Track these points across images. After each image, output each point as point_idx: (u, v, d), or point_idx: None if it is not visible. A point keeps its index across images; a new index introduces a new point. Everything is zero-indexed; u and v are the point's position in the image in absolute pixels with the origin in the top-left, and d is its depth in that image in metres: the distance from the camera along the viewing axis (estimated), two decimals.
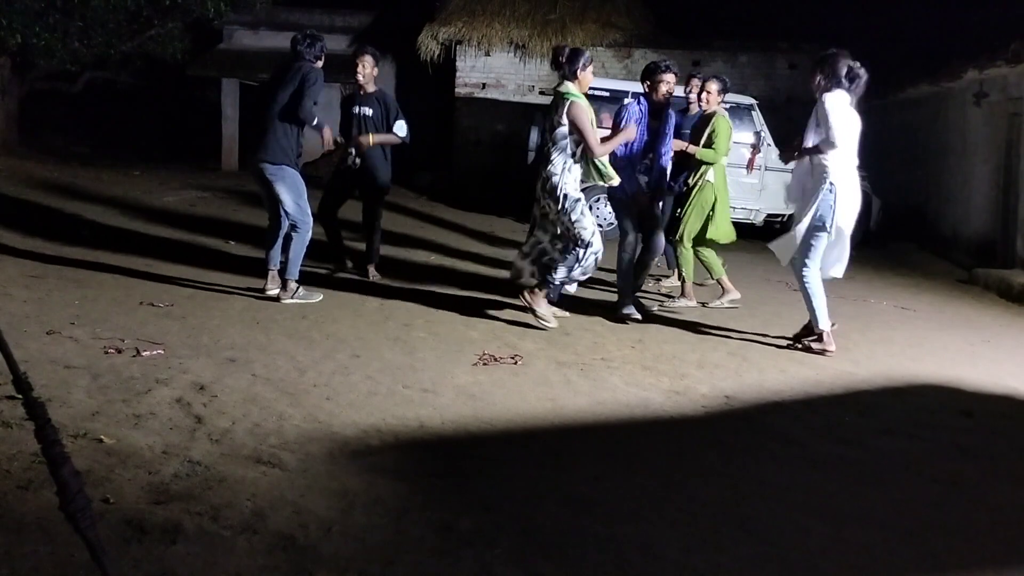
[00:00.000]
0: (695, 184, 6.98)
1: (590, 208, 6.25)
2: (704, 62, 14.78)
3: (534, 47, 14.88)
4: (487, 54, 15.12)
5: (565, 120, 5.56)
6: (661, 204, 6.60)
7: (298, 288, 6.08)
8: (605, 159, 5.70)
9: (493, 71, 15.22)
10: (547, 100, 14.13)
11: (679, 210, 7.06)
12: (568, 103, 5.56)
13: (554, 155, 5.63)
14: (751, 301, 7.29)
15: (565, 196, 5.61)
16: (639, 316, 6.23)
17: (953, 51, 11.63)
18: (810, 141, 5.53)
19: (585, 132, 5.54)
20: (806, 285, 5.57)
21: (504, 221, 12.14)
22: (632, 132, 6.02)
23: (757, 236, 10.23)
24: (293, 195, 6.01)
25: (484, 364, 4.87)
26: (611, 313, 6.29)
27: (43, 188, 11.41)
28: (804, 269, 5.56)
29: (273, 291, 6.10)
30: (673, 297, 7.22)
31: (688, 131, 7.35)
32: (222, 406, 3.86)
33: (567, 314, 6.08)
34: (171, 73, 17.00)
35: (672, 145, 6.54)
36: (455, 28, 14.93)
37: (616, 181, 5.83)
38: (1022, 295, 8.20)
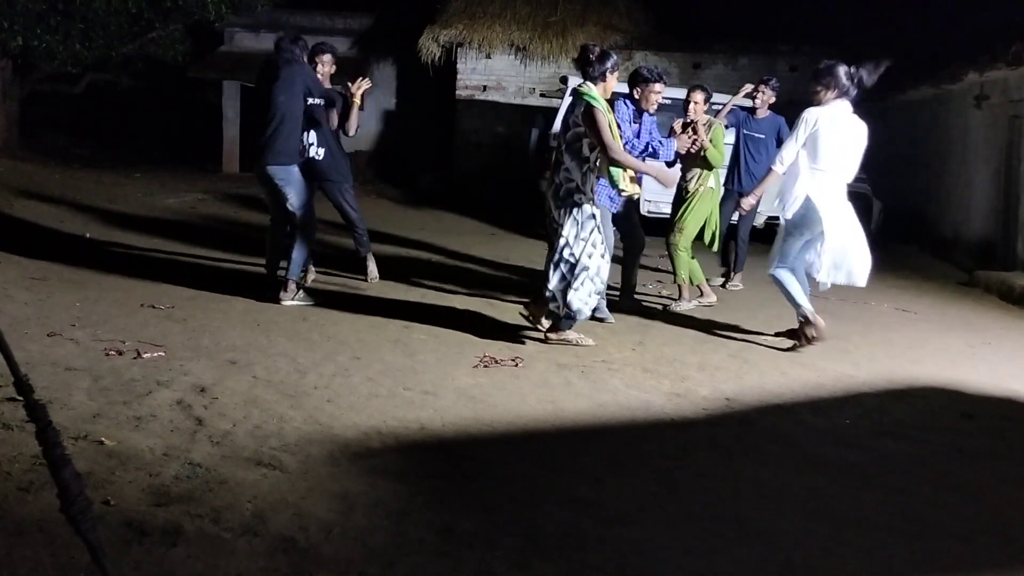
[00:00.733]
0: (695, 189, 7.03)
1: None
2: (704, 64, 14.80)
3: (535, 49, 14.89)
4: (488, 56, 15.13)
5: (581, 122, 5.23)
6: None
7: (299, 290, 6.09)
8: (617, 170, 5.35)
9: (494, 73, 15.23)
10: (547, 102, 14.22)
11: (679, 214, 7.09)
12: (584, 104, 5.22)
13: (568, 161, 5.28)
14: (752, 304, 7.29)
15: (580, 206, 5.24)
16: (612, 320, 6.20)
17: (954, 53, 11.63)
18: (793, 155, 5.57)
19: (602, 134, 5.15)
20: (778, 279, 5.70)
21: (504, 223, 12.13)
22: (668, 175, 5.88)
23: (757, 238, 10.22)
24: (299, 196, 6.05)
25: (485, 366, 4.87)
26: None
27: (44, 190, 11.41)
28: (774, 266, 5.70)
29: (287, 299, 6.03)
30: (674, 299, 7.23)
31: (762, 135, 7.53)
32: (223, 408, 3.86)
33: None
34: (172, 75, 17.00)
35: (677, 145, 6.55)
36: (456, 30, 14.94)
37: (634, 192, 5.58)
38: (1023, 297, 8.19)
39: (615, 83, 5.46)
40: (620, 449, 3.81)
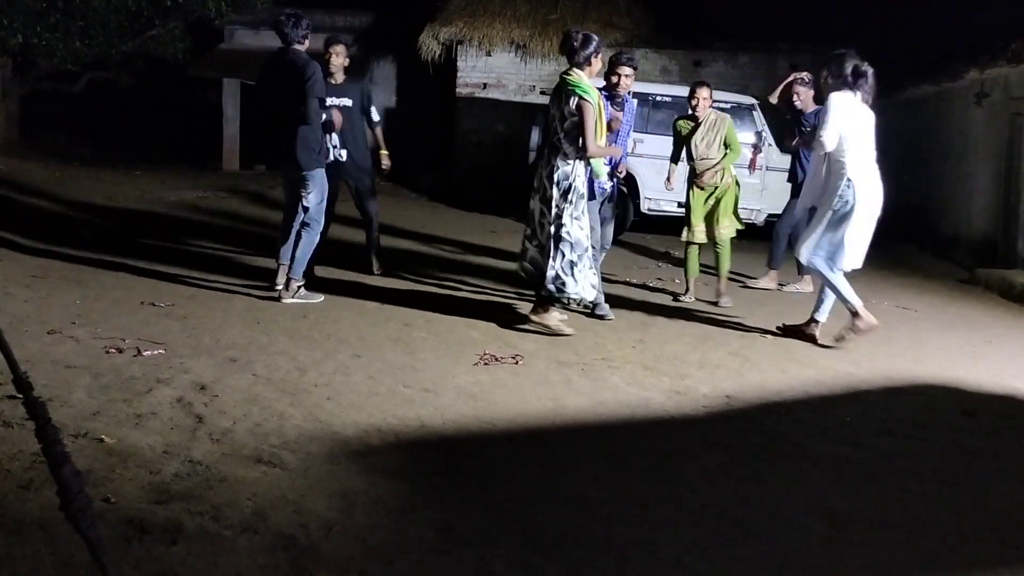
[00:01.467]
0: (723, 184, 7.15)
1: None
2: (705, 62, 14.78)
3: (535, 47, 14.88)
4: (488, 54, 15.11)
5: (577, 115, 5.41)
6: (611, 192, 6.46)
7: (299, 288, 6.08)
8: (597, 162, 5.63)
9: (494, 71, 15.21)
10: (548, 100, 14.21)
11: (715, 213, 7.18)
12: (577, 99, 5.39)
13: (567, 147, 5.46)
14: (752, 301, 7.29)
15: (574, 188, 5.46)
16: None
17: (954, 51, 11.62)
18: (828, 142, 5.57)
19: (587, 131, 5.39)
20: (821, 272, 5.70)
21: (505, 221, 12.13)
22: (618, 151, 6.15)
23: (758, 236, 10.23)
24: (318, 196, 6.13)
25: (485, 364, 4.87)
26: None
27: (44, 188, 11.42)
28: (813, 257, 5.68)
29: (281, 287, 6.07)
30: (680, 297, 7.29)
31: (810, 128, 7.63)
32: (223, 406, 3.86)
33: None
34: (172, 73, 16.99)
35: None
36: (456, 28, 14.93)
37: (605, 180, 5.84)
38: (1023, 295, 8.19)
39: (601, 65, 5.64)
40: (620, 447, 3.81)
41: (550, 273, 5.45)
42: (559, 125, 5.50)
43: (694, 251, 7.31)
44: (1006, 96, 10.27)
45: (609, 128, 5.86)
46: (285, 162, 6.12)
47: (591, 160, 5.59)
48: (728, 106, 11.49)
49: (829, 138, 5.51)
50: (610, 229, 6.63)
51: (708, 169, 7.09)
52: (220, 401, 3.92)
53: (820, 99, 7.54)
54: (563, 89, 5.52)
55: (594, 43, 5.55)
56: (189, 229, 9.27)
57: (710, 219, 7.18)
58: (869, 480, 3.62)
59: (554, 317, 5.65)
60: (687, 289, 7.36)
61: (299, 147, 5.98)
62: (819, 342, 5.84)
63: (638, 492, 3.29)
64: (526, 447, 3.73)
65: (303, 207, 6.11)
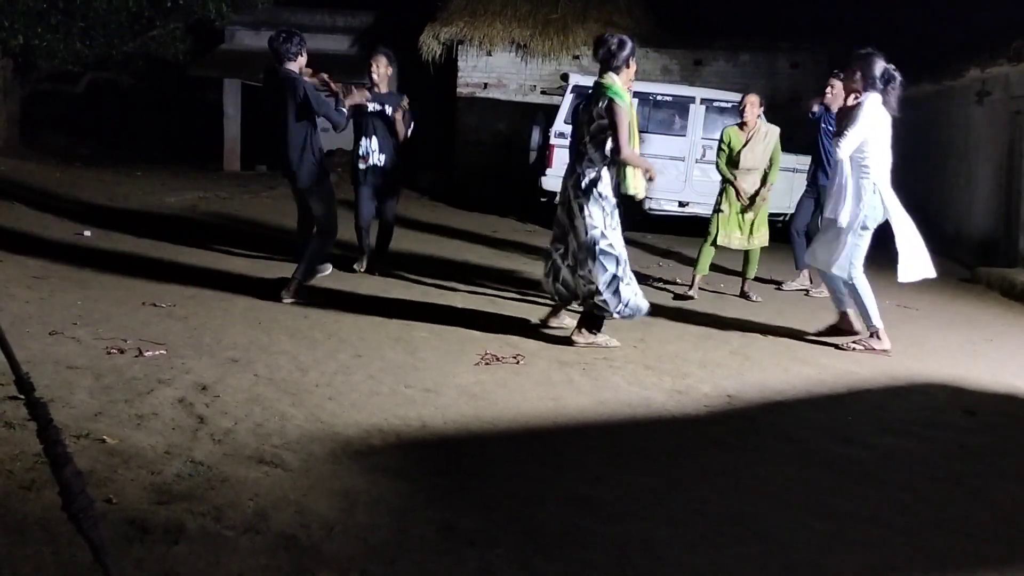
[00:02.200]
0: (761, 193, 7.24)
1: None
2: (706, 61, 14.78)
3: (536, 47, 14.88)
4: (488, 54, 15.12)
5: (605, 116, 5.16)
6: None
7: (301, 290, 6.09)
8: (629, 170, 5.38)
9: (495, 71, 15.22)
10: (548, 100, 14.22)
11: (750, 219, 7.24)
12: (608, 100, 5.13)
13: (592, 152, 5.22)
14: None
15: (605, 196, 5.21)
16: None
17: (955, 50, 11.61)
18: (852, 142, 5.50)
19: (620, 131, 5.11)
20: (857, 286, 5.67)
21: (506, 221, 12.14)
22: (652, 167, 5.80)
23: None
24: (324, 207, 6.20)
25: (486, 364, 4.87)
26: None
27: (45, 189, 11.42)
28: (852, 270, 5.63)
29: (288, 298, 6.04)
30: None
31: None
32: (224, 406, 3.86)
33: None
34: (173, 74, 17.02)
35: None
36: (456, 28, 14.94)
37: (640, 193, 5.56)
38: None
39: (635, 69, 5.42)
40: (621, 446, 3.81)
41: (591, 289, 5.22)
42: (585, 129, 5.26)
43: (710, 252, 7.29)
44: (1007, 94, 10.27)
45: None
46: (290, 176, 6.19)
47: (625, 170, 5.35)
48: (729, 105, 11.52)
49: (850, 143, 5.40)
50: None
51: (749, 179, 7.14)
52: (221, 401, 3.92)
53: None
54: (597, 93, 5.24)
55: (629, 47, 5.30)
56: (190, 229, 9.27)
57: (745, 228, 7.22)
58: (870, 479, 3.62)
59: (601, 336, 5.40)
60: (692, 285, 7.36)
61: (298, 164, 6.04)
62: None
63: (639, 491, 3.29)
64: (527, 446, 3.73)
65: (315, 218, 6.22)
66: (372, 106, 6.94)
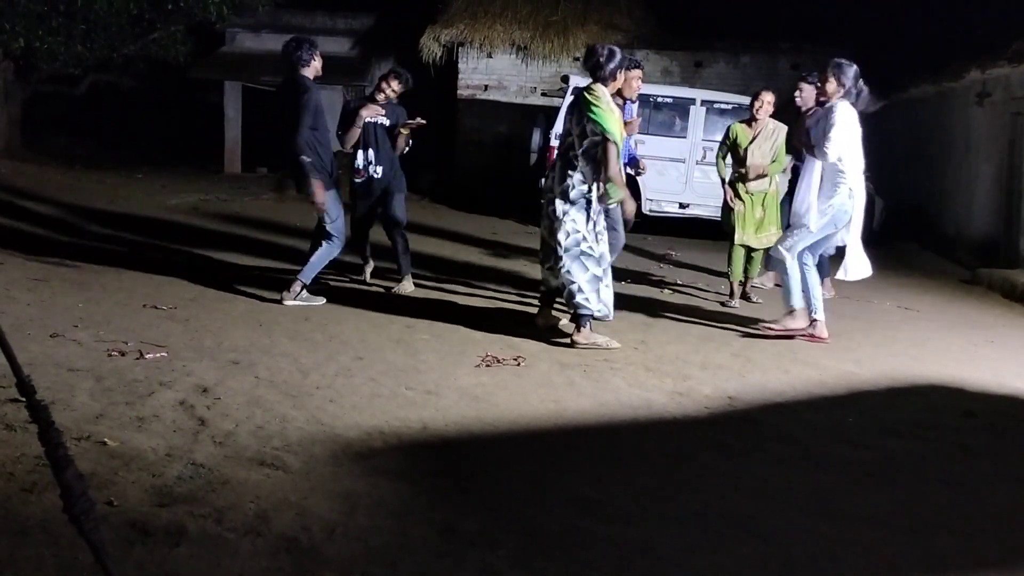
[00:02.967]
0: (766, 192, 7.12)
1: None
2: (706, 63, 14.79)
3: (536, 49, 14.89)
4: (489, 56, 15.13)
5: (598, 133, 5.17)
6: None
7: (302, 291, 6.08)
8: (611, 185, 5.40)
9: (495, 73, 15.23)
10: (549, 102, 14.23)
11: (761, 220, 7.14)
12: (601, 136, 5.17)
13: (583, 165, 5.25)
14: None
15: (591, 203, 5.29)
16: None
17: (955, 51, 11.62)
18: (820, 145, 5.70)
19: (610, 165, 5.21)
20: (810, 280, 5.85)
21: (506, 223, 12.14)
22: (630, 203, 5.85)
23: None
24: (331, 216, 6.16)
25: (487, 366, 4.87)
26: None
27: (46, 191, 11.43)
28: (805, 257, 5.85)
29: (289, 299, 6.04)
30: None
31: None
32: (225, 408, 3.86)
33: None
34: (174, 76, 17.01)
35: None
36: (457, 30, 14.95)
37: (620, 199, 5.58)
38: None
39: (623, 80, 5.48)
40: (622, 448, 3.81)
41: (573, 288, 5.28)
42: (577, 141, 5.27)
43: (740, 254, 7.16)
44: (1007, 96, 10.27)
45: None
46: (297, 183, 6.16)
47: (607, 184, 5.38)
48: (730, 107, 11.53)
49: (836, 145, 5.57)
50: (622, 233, 6.55)
51: (757, 176, 7.03)
52: (222, 404, 3.92)
53: (819, 103, 7.54)
54: (584, 108, 5.24)
55: (618, 57, 5.33)
56: (191, 232, 9.28)
57: (757, 226, 7.12)
58: (871, 480, 3.62)
59: (589, 335, 5.38)
60: (732, 294, 7.23)
61: (304, 173, 6.01)
62: (825, 340, 5.88)
63: (640, 493, 3.29)
64: (528, 448, 3.73)
65: (323, 226, 6.17)
66: (369, 117, 6.80)
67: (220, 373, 4.37)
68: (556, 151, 5.57)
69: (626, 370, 4.97)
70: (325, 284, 6.55)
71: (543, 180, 5.60)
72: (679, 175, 11.75)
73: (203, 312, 5.70)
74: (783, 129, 7.12)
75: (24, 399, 2.07)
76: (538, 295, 5.96)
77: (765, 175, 7.03)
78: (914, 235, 12.62)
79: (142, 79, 17.21)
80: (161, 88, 18.21)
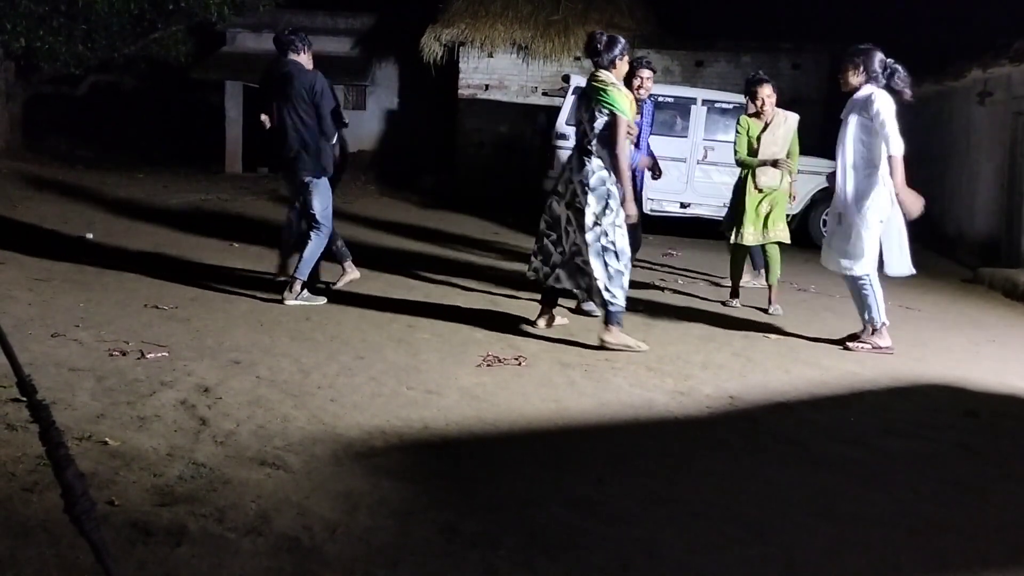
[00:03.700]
0: (776, 188, 6.90)
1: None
2: (707, 62, 14.79)
3: (537, 48, 14.89)
4: (490, 55, 15.12)
5: (606, 112, 5.21)
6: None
7: (303, 290, 6.09)
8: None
9: (496, 72, 15.23)
10: (550, 101, 14.22)
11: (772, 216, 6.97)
12: (609, 113, 5.21)
13: (599, 149, 5.25)
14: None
15: (611, 194, 5.24)
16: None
17: (957, 50, 11.61)
18: (852, 146, 5.51)
19: (618, 141, 5.22)
20: (868, 283, 5.64)
21: (507, 222, 12.13)
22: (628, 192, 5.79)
23: None
24: (323, 203, 6.19)
25: (488, 365, 4.87)
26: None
27: (47, 191, 11.44)
28: (861, 265, 5.60)
29: (291, 299, 6.05)
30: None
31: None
32: (226, 408, 3.86)
33: (566, 321, 5.97)
34: (174, 76, 17.03)
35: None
36: (458, 29, 14.95)
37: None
38: None
39: (627, 68, 5.46)
40: (623, 448, 3.81)
41: (598, 285, 5.24)
42: (588, 128, 5.29)
43: (743, 253, 7.11)
44: (1009, 95, 10.26)
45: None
46: (293, 166, 6.16)
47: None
48: (731, 106, 11.52)
49: (896, 137, 5.38)
50: (638, 231, 6.53)
51: (769, 171, 6.85)
52: (224, 403, 3.92)
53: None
54: (592, 93, 5.28)
55: (619, 45, 5.33)
56: (192, 231, 9.28)
57: (763, 222, 6.92)
58: (873, 480, 3.61)
59: (630, 338, 5.37)
60: (735, 294, 7.15)
61: (309, 155, 6.07)
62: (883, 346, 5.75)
63: (641, 493, 3.29)
64: (529, 448, 3.73)
65: (311, 215, 6.17)
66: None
67: (221, 373, 4.38)
68: (574, 145, 5.50)
69: (627, 370, 4.97)
70: (326, 285, 6.56)
71: (557, 183, 5.55)
72: (680, 174, 11.74)
73: (204, 312, 5.70)
74: (795, 117, 6.95)
75: (25, 399, 2.07)
76: (539, 296, 5.94)
77: (777, 167, 6.85)
78: (915, 234, 12.59)
79: (143, 79, 17.23)
80: (162, 88, 18.22)
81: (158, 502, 2.88)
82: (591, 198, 5.23)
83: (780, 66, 14.44)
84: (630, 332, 5.84)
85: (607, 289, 5.25)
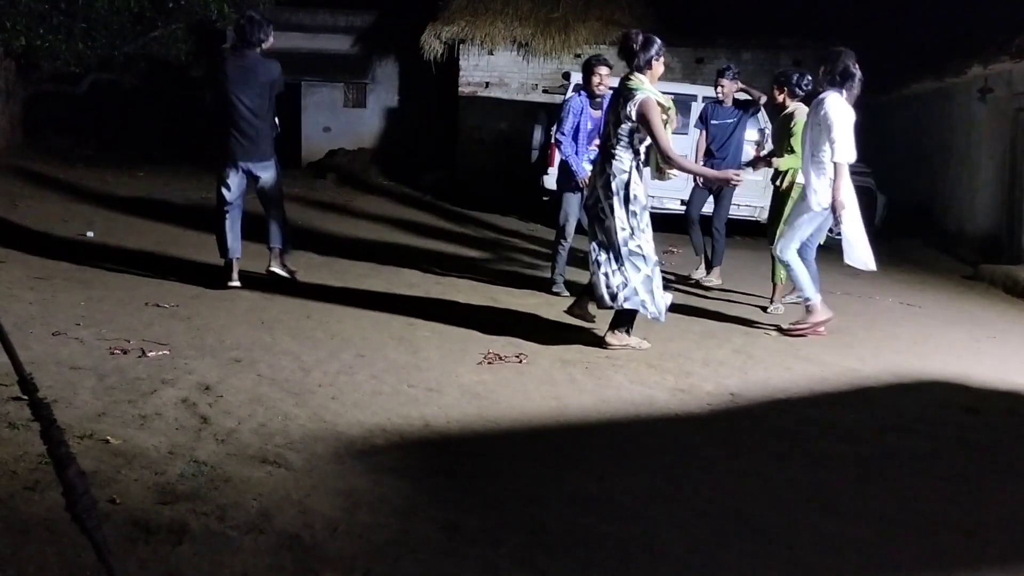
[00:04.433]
0: (787, 187, 6.66)
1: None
2: (708, 59, 14.77)
3: (537, 45, 14.88)
4: (490, 53, 15.11)
5: (635, 116, 5.04)
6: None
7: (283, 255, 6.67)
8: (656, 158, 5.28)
9: (496, 70, 15.22)
10: (550, 98, 14.21)
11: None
12: (640, 99, 5.03)
13: (620, 151, 5.13)
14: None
15: (635, 197, 5.15)
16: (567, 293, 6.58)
17: (958, 47, 11.60)
18: (808, 143, 5.85)
19: (656, 130, 5.04)
20: (799, 271, 6.04)
21: (508, 220, 12.13)
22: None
23: (761, 233, 10.20)
24: (279, 179, 6.61)
25: (489, 363, 4.87)
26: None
27: (48, 189, 11.44)
28: (786, 250, 6.03)
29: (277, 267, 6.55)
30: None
31: (717, 122, 7.96)
32: (227, 406, 3.87)
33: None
34: (175, 74, 17.02)
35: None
36: (458, 27, 14.94)
37: (676, 175, 5.49)
38: None
39: (662, 69, 5.29)
40: (624, 445, 3.81)
41: (627, 291, 5.14)
42: (612, 130, 5.17)
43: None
44: (1010, 91, 10.26)
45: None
46: (248, 154, 6.39)
47: (660, 162, 5.23)
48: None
49: (845, 146, 5.64)
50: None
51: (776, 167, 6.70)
52: (225, 402, 3.93)
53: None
54: (622, 94, 5.13)
55: (655, 46, 5.14)
56: (192, 229, 9.27)
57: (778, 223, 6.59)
58: (873, 476, 3.62)
59: (634, 337, 5.34)
60: (773, 298, 6.93)
61: (264, 141, 6.42)
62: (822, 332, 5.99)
63: (642, 490, 3.29)
64: (530, 446, 3.73)
65: (267, 194, 6.52)
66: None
67: (222, 371, 4.38)
68: (599, 149, 5.48)
69: (628, 367, 4.97)
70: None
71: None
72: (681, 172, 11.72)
73: (205, 310, 5.71)
74: (803, 110, 6.54)
75: (26, 397, 2.07)
76: (539, 293, 5.96)
77: (770, 165, 6.75)
78: (916, 231, 12.60)
79: (143, 77, 17.21)
80: (162, 86, 18.21)
81: (159, 500, 2.89)
82: (615, 201, 5.15)
83: (780, 63, 14.41)
84: (632, 330, 5.84)
85: (636, 293, 5.14)
